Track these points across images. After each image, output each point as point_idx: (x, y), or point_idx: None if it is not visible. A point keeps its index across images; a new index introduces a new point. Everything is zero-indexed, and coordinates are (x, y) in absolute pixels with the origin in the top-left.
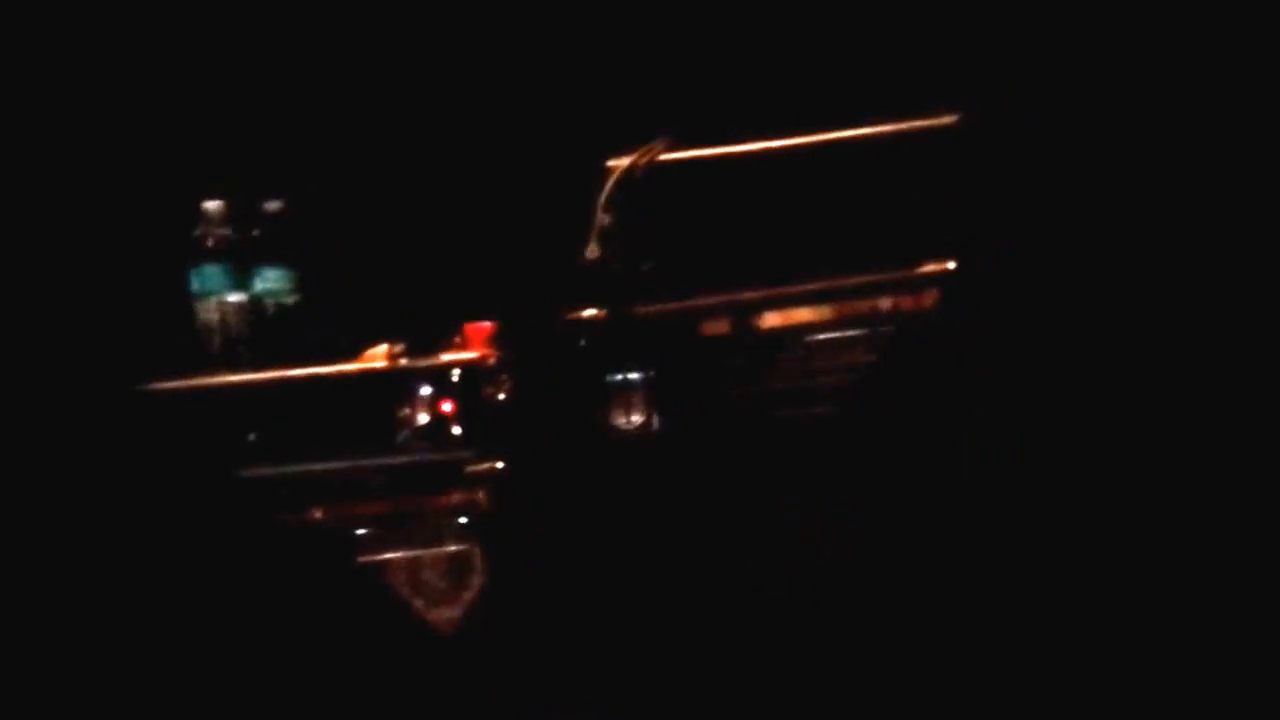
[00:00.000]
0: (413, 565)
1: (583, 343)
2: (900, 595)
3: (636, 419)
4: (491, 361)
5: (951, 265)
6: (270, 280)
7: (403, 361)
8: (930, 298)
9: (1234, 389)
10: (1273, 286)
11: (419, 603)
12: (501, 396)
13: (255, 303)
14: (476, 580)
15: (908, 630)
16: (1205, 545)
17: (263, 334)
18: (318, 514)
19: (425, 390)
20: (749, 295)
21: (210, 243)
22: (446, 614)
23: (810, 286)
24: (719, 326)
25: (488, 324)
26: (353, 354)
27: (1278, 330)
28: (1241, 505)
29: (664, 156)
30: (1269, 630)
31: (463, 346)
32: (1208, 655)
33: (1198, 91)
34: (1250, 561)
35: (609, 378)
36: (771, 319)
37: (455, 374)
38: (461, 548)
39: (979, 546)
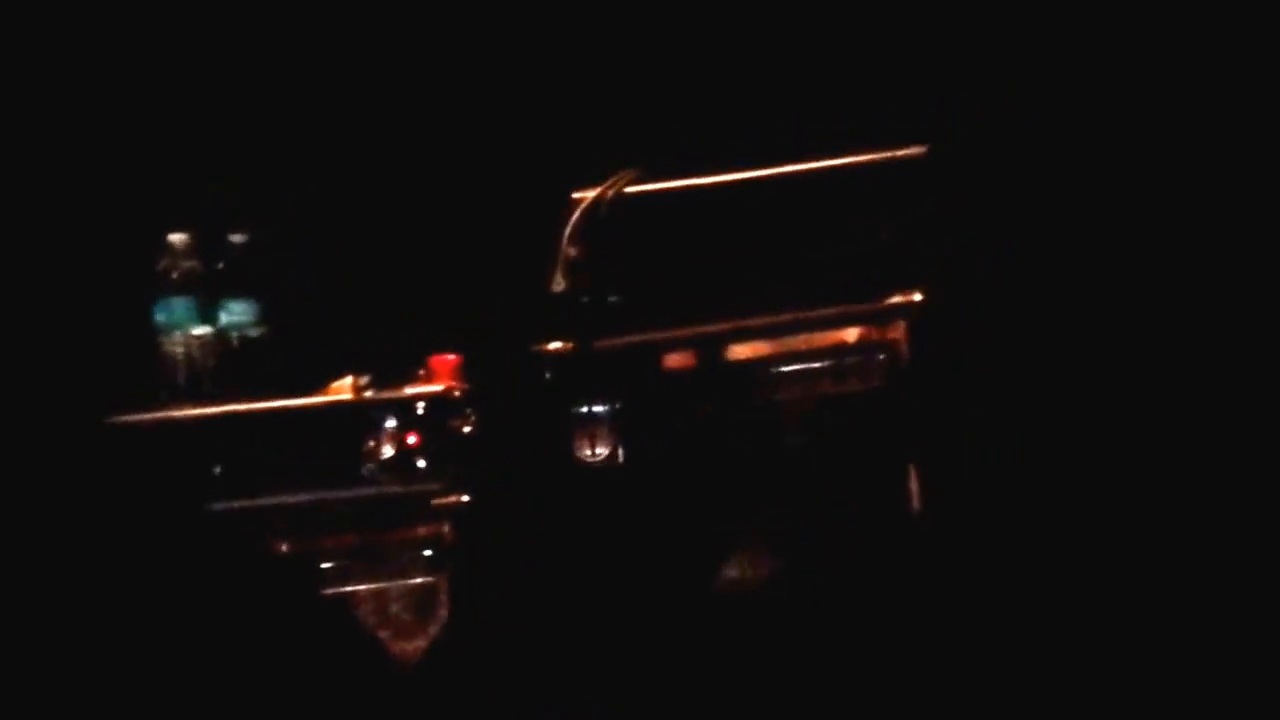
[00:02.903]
0: (378, 598)
1: (549, 375)
2: (897, 614)
3: (602, 451)
4: (457, 394)
5: (918, 297)
6: (235, 313)
7: (368, 394)
8: (897, 329)
9: (1212, 389)
10: (1242, 289)
11: (384, 635)
12: (467, 429)
13: (220, 335)
14: (441, 613)
15: (907, 636)
16: (1203, 544)
17: (228, 367)
18: (283, 547)
19: (391, 423)
20: (716, 328)
21: (175, 275)
22: (411, 646)
23: (778, 319)
24: (686, 359)
25: (453, 356)
26: (318, 386)
27: (1253, 328)
28: (1234, 503)
29: (630, 188)
30: (1268, 630)
31: (428, 379)
32: (1207, 654)
33: (1164, 119)
34: (1248, 559)
35: (575, 410)
36: (739, 351)
37: (421, 407)
38: (427, 580)
39: (970, 559)
